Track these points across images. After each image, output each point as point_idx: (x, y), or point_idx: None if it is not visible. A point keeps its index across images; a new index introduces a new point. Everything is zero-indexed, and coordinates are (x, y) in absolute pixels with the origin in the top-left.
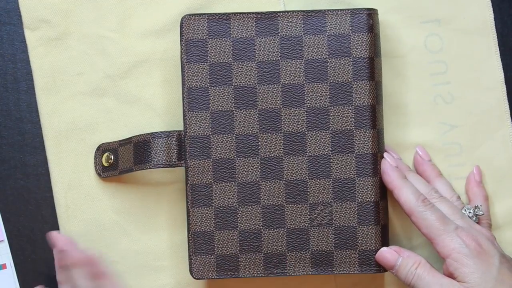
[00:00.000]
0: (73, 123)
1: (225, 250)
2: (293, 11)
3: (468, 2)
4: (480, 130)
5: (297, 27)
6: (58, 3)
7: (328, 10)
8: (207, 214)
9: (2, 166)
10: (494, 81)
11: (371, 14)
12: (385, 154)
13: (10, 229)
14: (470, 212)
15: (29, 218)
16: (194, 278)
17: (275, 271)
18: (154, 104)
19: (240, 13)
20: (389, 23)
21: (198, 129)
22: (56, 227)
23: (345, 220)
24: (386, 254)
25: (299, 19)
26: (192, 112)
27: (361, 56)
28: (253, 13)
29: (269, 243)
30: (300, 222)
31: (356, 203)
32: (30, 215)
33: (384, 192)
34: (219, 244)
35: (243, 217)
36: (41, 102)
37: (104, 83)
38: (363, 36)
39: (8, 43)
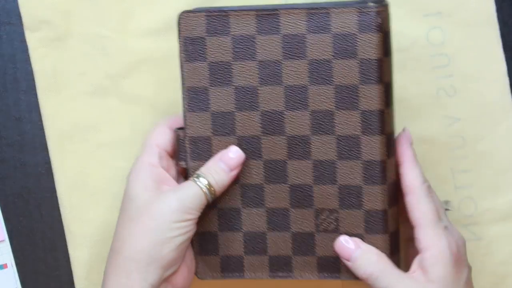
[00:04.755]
0: (76, 124)
1: (230, 251)
2: (295, 8)
3: None
4: (483, 122)
5: (300, 25)
6: (58, 3)
7: (333, 7)
8: (210, 215)
9: (2, 166)
10: (497, 74)
11: (380, 11)
12: (406, 130)
13: (10, 229)
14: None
15: (29, 218)
16: (199, 278)
17: (280, 274)
18: (157, 103)
19: (239, 9)
20: (391, 17)
21: (199, 130)
22: (56, 227)
23: (351, 228)
24: (344, 243)
25: (302, 16)
26: (192, 113)
27: (368, 58)
28: (253, 9)
29: (274, 245)
30: (305, 226)
31: (362, 211)
32: (30, 215)
33: (394, 198)
34: (223, 245)
35: (247, 219)
36: (43, 104)
37: (106, 82)
38: (370, 36)
39: (8, 43)
